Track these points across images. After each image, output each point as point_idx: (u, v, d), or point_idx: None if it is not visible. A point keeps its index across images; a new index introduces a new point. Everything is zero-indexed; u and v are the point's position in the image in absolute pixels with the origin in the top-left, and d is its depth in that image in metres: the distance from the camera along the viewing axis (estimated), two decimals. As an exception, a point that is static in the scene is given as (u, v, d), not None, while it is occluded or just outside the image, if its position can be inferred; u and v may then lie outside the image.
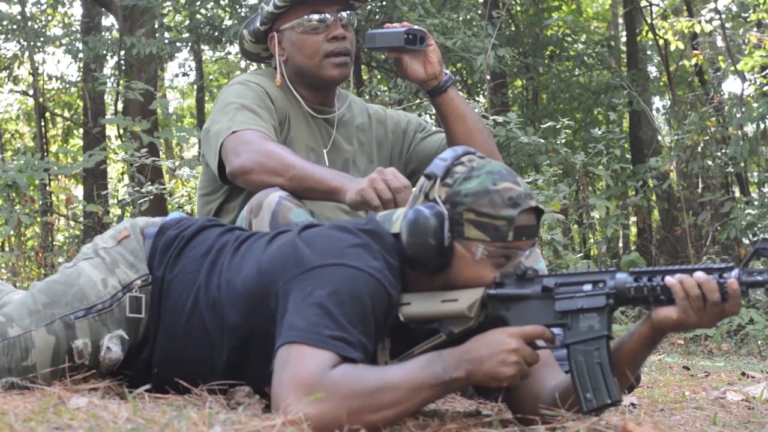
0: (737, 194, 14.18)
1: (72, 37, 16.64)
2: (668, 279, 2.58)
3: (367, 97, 12.25)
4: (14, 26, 15.56)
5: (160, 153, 15.46)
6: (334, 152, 3.92)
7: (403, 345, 2.82)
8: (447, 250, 2.71)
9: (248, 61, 16.52)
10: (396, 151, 4.09)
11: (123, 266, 2.98)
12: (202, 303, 2.87)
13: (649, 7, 15.94)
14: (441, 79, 3.87)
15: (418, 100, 11.82)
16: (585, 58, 16.02)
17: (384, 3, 12.24)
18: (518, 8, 16.29)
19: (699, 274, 2.56)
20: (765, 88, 11.79)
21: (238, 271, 2.84)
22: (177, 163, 10.52)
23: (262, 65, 4.18)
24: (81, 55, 14.93)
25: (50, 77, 18.45)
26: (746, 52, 12.57)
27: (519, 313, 2.70)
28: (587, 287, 2.66)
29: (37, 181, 10.44)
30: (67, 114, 19.42)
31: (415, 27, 3.84)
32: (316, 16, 3.83)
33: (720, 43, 14.80)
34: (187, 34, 14.51)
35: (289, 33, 3.88)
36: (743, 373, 5.34)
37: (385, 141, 4.08)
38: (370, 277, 2.63)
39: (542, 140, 9.82)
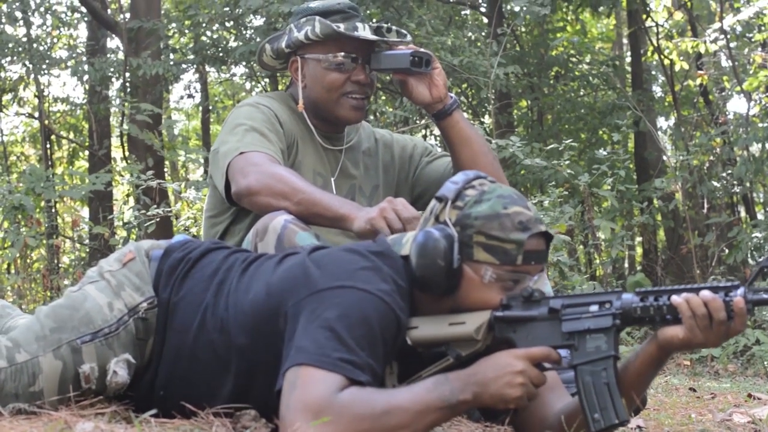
0: (743, 214, 14.16)
1: (77, 59, 16.68)
2: (674, 298, 2.59)
3: (372, 118, 12.27)
4: (20, 48, 15.59)
5: (166, 175, 15.48)
6: (340, 177, 3.92)
7: (411, 368, 2.82)
8: (456, 272, 2.72)
9: (254, 83, 16.63)
10: (402, 175, 4.08)
11: (129, 289, 2.98)
12: (209, 323, 2.87)
13: (654, 28, 15.95)
14: (446, 103, 3.87)
15: (423, 121, 11.83)
16: (590, 78, 16.03)
17: (389, 24, 12.26)
18: (523, 29, 16.32)
19: (705, 293, 2.57)
20: (770, 108, 11.81)
21: (246, 292, 2.84)
22: (183, 185, 10.53)
23: (268, 88, 4.18)
24: (86, 77, 14.96)
25: (56, 99, 18.45)
26: (751, 72, 12.58)
27: (526, 335, 2.71)
28: (594, 308, 2.67)
29: (42, 203, 10.45)
30: (72, 136, 19.42)
31: (421, 50, 3.83)
32: (344, 57, 3.83)
33: (725, 63, 14.79)
34: (192, 56, 14.55)
35: (314, 64, 3.86)
36: (749, 395, 5.32)
37: (392, 165, 4.08)
38: (380, 300, 2.64)
39: (544, 162, 9.83)
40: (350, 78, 3.84)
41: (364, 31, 3.82)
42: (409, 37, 3.94)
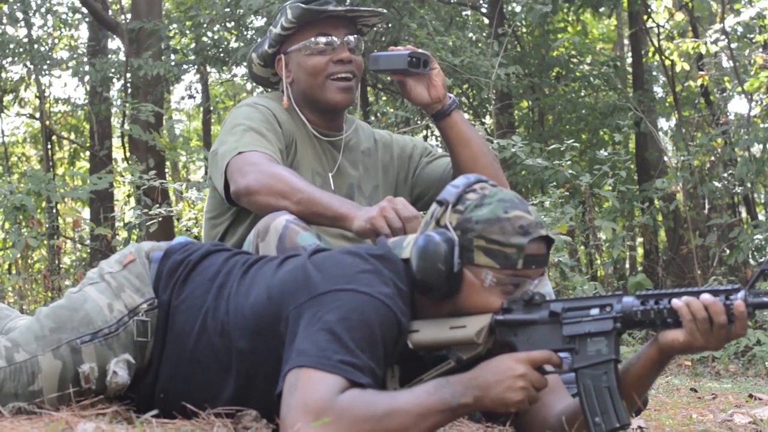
0: (744, 215, 14.16)
1: (78, 60, 16.68)
2: (675, 302, 2.58)
3: (373, 118, 12.27)
4: (21, 49, 15.59)
5: (167, 176, 15.48)
6: (339, 177, 3.92)
7: (412, 372, 2.82)
8: (456, 276, 2.72)
9: (255, 84, 16.60)
10: (401, 175, 4.08)
11: (129, 290, 2.98)
12: (209, 327, 2.87)
13: (655, 28, 15.95)
14: (445, 103, 3.86)
15: (424, 121, 11.82)
16: (591, 78, 16.03)
17: (390, 25, 12.29)
18: (524, 30, 16.32)
19: (705, 297, 2.57)
20: (772, 109, 11.82)
21: (246, 295, 2.84)
22: (184, 186, 10.52)
23: (269, 89, 4.18)
24: (87, 77, 14.97)
25: (57, 100, 18.46)
26: (752, 73, 12.58)
27: (527, 339, 2.70)
28: (594, 311, 2.66)
29: (44, 204, 10.45)
30: (73, 137, 19.42)
31: (419, 50, 3.83)
32: (323, 39, 3.83)
33: (726, 63, 14.79)
34: (193, 57, 14.55)
35: (296, 55, 3.88)
36: (751, 395, 5.32)
37: (391, 166, 4.07)
38: (380, 303, 2.64)
39: (546, 163, 9.82)
40: (332, 59, 3.85)
41: (336, 9, 3.85)
42: (384, 12, 3.97)
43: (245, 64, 13.52)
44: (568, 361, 2.70)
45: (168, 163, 15.36)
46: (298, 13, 3.81)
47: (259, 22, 13.59)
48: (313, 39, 3.85)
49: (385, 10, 3.99)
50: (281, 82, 4.00)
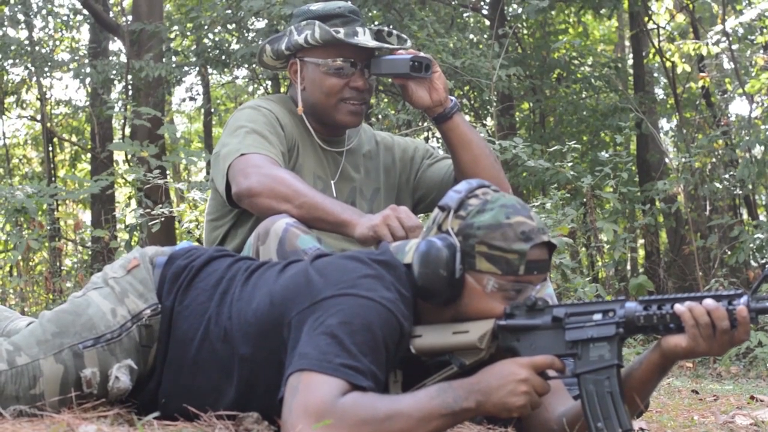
0: (745, 217, 14.16)
1: (80, 62, 16.69)
2: (677, 307, 2.58)
3: (375, 120, 12.27)
4: (22, 51, 15.60)
5: (168, 178, 15.49)
6: (341, 181, 3.91)
7: (415, 377, 2.82)
8: (458, 282, 2.72)
9: (256, 85, 16.62)
10: (403, 177, 4.08)
11: (132, 296, 2.98)
12: (212, 333, 2.86)
13: (655, 30, 15.95)
14: (446, 106, 3.86)
15: (425, 124, 11.82)
16: (592, 80, 16.03)
17: (391, 27, 12.29)
18: (525, 32, 16.31)
19: (708, 302, 2.56)
20: (773, 110, 11.82)
21: (249, 301, 2.84)
22: (186, 186, 10.53)
23: (270, 91, 4.17)
24: (89, 79, 14.98)
25: (58, 102, 18.47)
26: (753, 75, 12.57)
27: (529, 344, 2.70)
28: (597, 316, 2.66)
29: (45, 206, 10.46)
30: (74, 139, 19.42)
31: (421, 54, 3.82)
32: (343, 63, 3.82)
33: (727, 65, 14.79)
34: (194, 58, 14.55)
35: (313, 68, 3.85)
36: (752, 397, 5.32)
37: (393, 168, 4.07)
38: (382, 307, 2.63)
39: (547, 164, 9.82)
40: (349, 84, 3.83)
41: (364, 37, 3.81)
42: (409, 43, 3.94)
43: (246, 65, 13.52)
44: (570, 366, 2.70)
45: (170, 164, 15.34)
46: (327, 39, 3.78)
47: (260, 23, 13.60)
48: (331, 61, 3.82)
49: (409, 42, 3.97)
50: (291, 87, 4.00)
